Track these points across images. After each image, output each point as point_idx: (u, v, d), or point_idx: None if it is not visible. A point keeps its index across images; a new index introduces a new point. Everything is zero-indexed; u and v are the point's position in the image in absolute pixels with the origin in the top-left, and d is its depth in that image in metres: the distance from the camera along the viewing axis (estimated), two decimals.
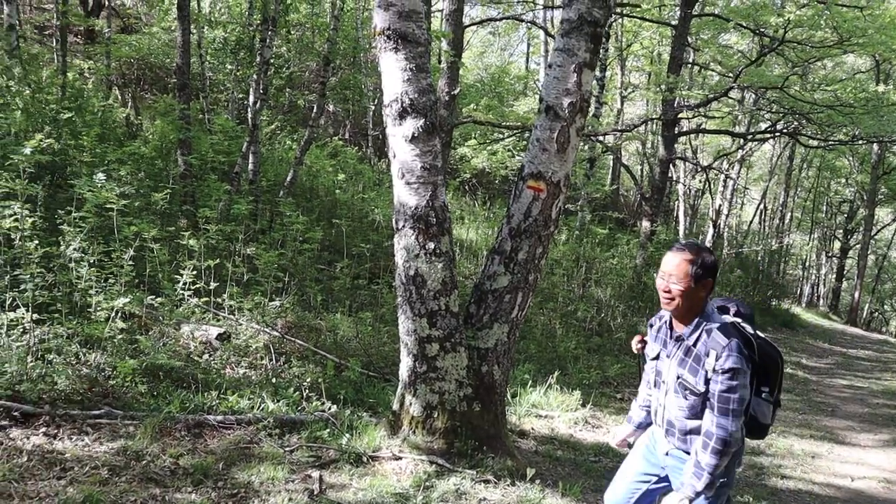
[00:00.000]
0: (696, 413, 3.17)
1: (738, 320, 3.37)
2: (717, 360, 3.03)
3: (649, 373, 3.51)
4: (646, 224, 15.18)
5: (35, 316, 5.34)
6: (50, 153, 7.09)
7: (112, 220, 6.48)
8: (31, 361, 5.12)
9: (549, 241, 5.36)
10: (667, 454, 3.39)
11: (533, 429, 6.69)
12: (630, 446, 3.79)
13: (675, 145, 16.34)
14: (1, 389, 4.78)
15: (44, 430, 4.69)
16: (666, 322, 3.37)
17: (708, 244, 18.39)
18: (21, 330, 5.30)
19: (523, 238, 5.19)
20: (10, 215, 5.58)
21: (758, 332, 3.34)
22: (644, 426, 3.73)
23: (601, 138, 16.24)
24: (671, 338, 3.30)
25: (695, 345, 3.15)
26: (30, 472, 4.16)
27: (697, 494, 3.07)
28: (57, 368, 5.15)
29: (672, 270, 3.13)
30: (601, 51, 10.63)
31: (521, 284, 5.26)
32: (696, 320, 3.17)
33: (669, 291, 3.15)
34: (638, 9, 16.45)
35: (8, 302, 5.42)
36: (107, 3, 20.30)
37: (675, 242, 3.30)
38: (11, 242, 5.70)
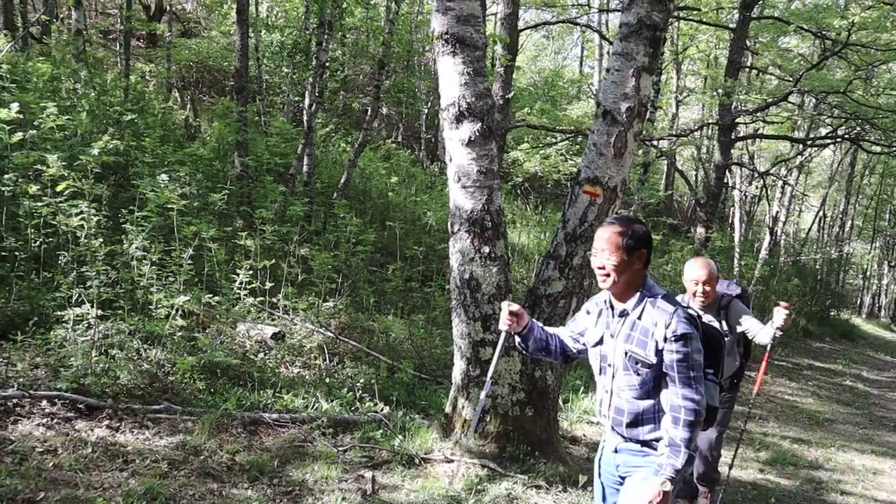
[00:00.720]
0: (648, 391, 2.95)
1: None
2: (666, 328, 2.86)
3: (593, 362, 3.21)
4: (700, 230, 14.94)
5: (99, 312, 5.50)
6: (114, 154, 7.28)
7: (172, 220, 6.64)
8: (95, 356, 5.27)
9: None
10: (616, 451, 3.11)
11: (584, 435, 6.65)
12: (514, 333, 3.28)
13: (732, 150, 16.06)
14: (67, 382, 4.92)
15: (107, 422, 4.82)
16: (606, 302, 3.12)
17: (764, 252, 18.04)
18: (86, 325, 5.46)
19: (579, 243, 5.16)
20: (77, 214, 5.76)
21: (701, 315, 3.26)
22: (534, 332, 3.29)
23: (656, 143, 16.05)
24: (614, 316, 3.06)
25: (640, 318, 2.95)
26: (94, 463, 4.28)
27: (678, 472, 2.84)
28: (119, 363, 5.30)
29: (603, 245, 2.93)
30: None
31: (575, 290, 5.22)
32: (638, 294, 2.98)
33: (604, 268, 2.94)
34: (696, 12, 16.22)
35: (74, 297, 5.58)
36: (168, 7, 20.81)
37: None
38: (77, 240, 5.87)
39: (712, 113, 21.74)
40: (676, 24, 19.30)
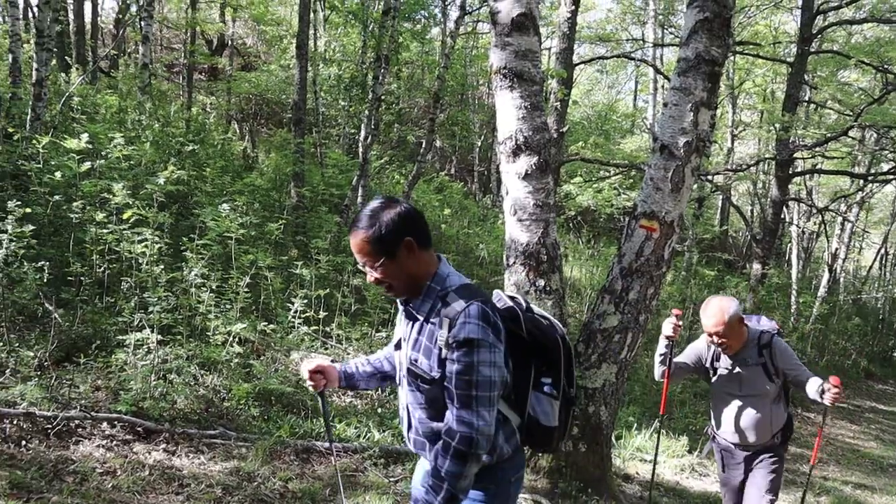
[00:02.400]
0: (441, 410, 2.37)
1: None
2: (450, 330, 2.26)
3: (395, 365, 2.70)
4: (756, 267, 14.67)
5: (159, 337, 5.62)
6: (177, 183, 7.49)
7: (231, 249, 6.78)
8: (154, 380, 5.38)
9: (661, 281, 5.27)
10: (424, 475, 2.64)
11: (637, 473, 6.53)
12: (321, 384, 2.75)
13: (789, 186, 15.79)
14: (126, 405, 5.03)
15: (164, 446, 4.91)
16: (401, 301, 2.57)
17: (823, 289, 17.59)
18: (146, 350, 5.58)
19: (634, 278, 5.12)
20: (141, 241, 5.93)
21: (532, 307, 2.64)
22: (355, 377, 2.79)
23: (711, 177, 15.87)
24: (405, 318, 2.53)
25: (428, 318, 2.38)
26: (151, 485, 4.35)
27: None
28: (177, 388, 5.40)
29: (357, 255, 2.40)
30: None
31: (631, 325, 5.17)
32: (427, 287, 2.41)
33: (375, 280, 2.41)
34: (752, 46, 16.09)
35: (135, 322, 5.72)
36: (230, 42, 21.42)
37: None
38: (140, 266, 6.04)
39: (769, 148, 21.44)
40: (732, 58, 19.16)
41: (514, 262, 5.05)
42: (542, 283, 4.97)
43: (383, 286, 2.42)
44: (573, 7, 11.62)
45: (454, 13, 18.48)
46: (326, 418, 3.15)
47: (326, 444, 5.34)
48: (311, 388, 2.75)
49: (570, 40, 12.11)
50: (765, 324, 4.35)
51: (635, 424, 7.44)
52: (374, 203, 2.42)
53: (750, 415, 4.16)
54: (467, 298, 2.30)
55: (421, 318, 2.41)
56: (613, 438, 6.61)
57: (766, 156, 17.95)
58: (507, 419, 2.49)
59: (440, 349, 2.31)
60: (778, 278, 16.24)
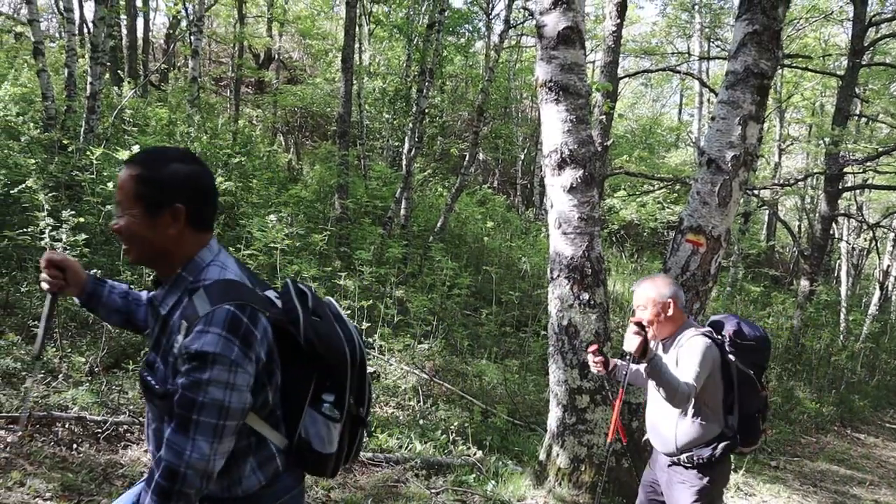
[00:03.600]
0: None
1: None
2: (186, 337, 1.80)
3: None
4: (804, 283, 14.37)
5: None
6: (225, 194, 7.62)
7: (276, 259, 6.87)
8: None
9: (708, 296, 5.19)
10: None
11: None
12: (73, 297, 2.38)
13: (839, 201, 15.47)
14: None
15: None
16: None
17: (874, 307, 17.18)
18: None
19: None
20: None
21: (326, 311, 2.11)
22: (94, 295, 2.35)
23: (757, 192, 15.64)
24: (150, 306, 2.09)
25: (171, 314, 1.92)
26: None
27: None
28: None
29: (117, 191, 1.94)
30: None
31: None
32: (178, 275, 1.95)
33: (117, 226, 1.95)
34: (801, 59, 15.85)
35: None
36: (276, 56, 21.76)
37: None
38: None
39: (818, 162, 21.07)
40: (780, 71, 18.90)
41: (559, 276, 5.03)
42: (586, 296, 4.94)
43: (122, 241, 1.96)
44: (618, 20, 11.57)
45: (498, 27, 18.55)
46: (47, 325, 2.45)
47: (369, 455, 5.36)
48: (43, 286, 2.26)
49: (615, 53, 12.05)
50: (728, 328, 3.57)
51: None
52: (174, 150, 1.97)
53: (654, 417, 3.66)
54: (218, 299, 1.82)
55: (163, 312, 1.95)
56: None
57: (815, 170, 17.62)
58: (262, 442, 2.01)
59: (175, 358, 1.84)
60: (827, 295, 15.90)
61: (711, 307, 13.07)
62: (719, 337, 3.55)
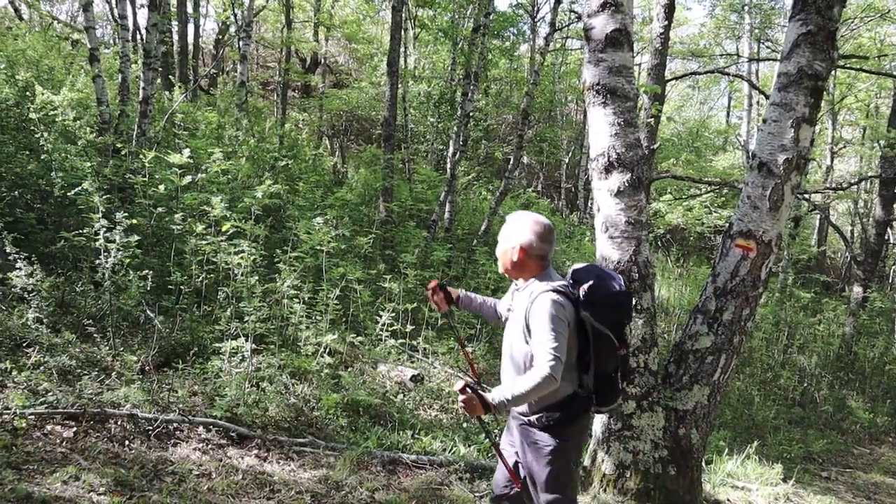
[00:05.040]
0: None
1: None
2: None
3: None
4: (857, 290, 14.03)
5: (252, 346, 5.80)
6: (273, 197, 7.72)
7: (321, 261, 6.94)
8: (248, 388, 5.54)
9: (757, 302, 5.11)
10: None
11: (728, 500, 6.32)
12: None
13: (894, 205, 15.08)
14: (221, 411, 5.20)
15: (255, 452, 5.04)
16: None
17: None
18: (240, 358, 5.76)
19: (729, 298, 4.98)
20: (238, 252, 6.14)
21: None
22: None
23: (808, 196, 15.33)
24: None
25: None
26: (244, 489, 4.47)
27: None
28: (269, 396, 5.54)
29: None
30: None
31: (724, 346, 5.03)
32: None
33: None
34: (855, 60, 15.49)
35: (231, 331, 5.92)
36: (322, 60, 21.99)
37: None
38: (235, 277, 6.25)
39: (872, 165, 20.58)
40: (833, 72, 18.50)
41: None
42: (633, 301, 4.89)
43: None
44: (666, 22, 11.45)
45: (544, 30, 18.49)
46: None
47: (413, 457, 5.37)
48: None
49: (662, 56, 11.93)
50: (584, 283, 3.34)
51: (726, 449, 7.22)
52: None
53: (506, 377, 3.49)
54: None
55: None
56: (703, 463, 6.43)
57: (870, 174, 17.20)
58: None
59: None
60: (881, 302, 15.49)
61: (759, 313, 12.84)
62: (574, 292, 3.33)
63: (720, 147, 25.15)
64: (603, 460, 5.10)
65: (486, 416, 3.21)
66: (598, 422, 5.15)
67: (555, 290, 3.22)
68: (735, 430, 8.14)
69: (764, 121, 5.08)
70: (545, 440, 3.34)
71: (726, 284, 5.01)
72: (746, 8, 21.94)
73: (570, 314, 3.23)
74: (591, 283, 3.31)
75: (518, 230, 3.37)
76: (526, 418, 3.38)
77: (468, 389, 3.12)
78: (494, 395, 3.10)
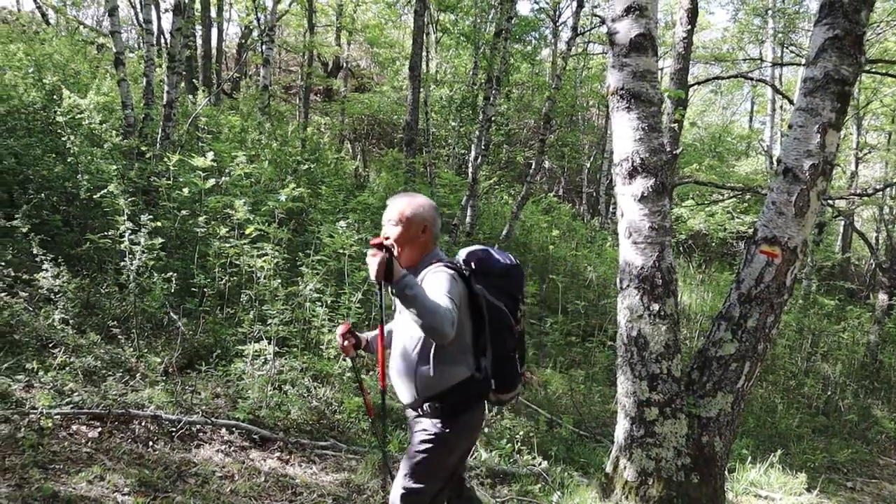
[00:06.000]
0: None
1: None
2: None
3: None
4: (882, 297, 13.85)
5: (275, 348, 5.82)
6: (295, 200, 7.76)
7: (343, 265, 6.96)
8: (270, 390, 5.57)
9: (782, 309, 5.06)
10: None
11: None
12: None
13: None
14: (244, 413, 5.23)
15: (278, 454, 5.06)
16: None
17: None
18: (263, 360, 5.79)
19: (753, 305, 4.94)
20: (261, 255, 6.17)
21: None
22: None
23: (832, 202, 15.16)
24: None
25: None
26: (266, 492, 4.50)
27: None
28: (291, 399, 5.57)
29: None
30: None
31: (748, 353, 4.99)
32: None
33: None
34: (881, 64, 15.32)
35: (254, 333, 5.95)
36: (344, 64, 22.09)
37: None
38: (258, 280, 6.28)
39: None
40: (859, 77, 18.29)
41: (628, 286, 4.96)
42: (656, 307, 4.87)
43: None
44: (689, 27, 11.38)
45: (566, 34, 18.46)
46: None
47: None
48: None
49: (685, 60, 11.86)
50: (474, 258, 3.30)
51: (749, 458, 7.15)
52: None
53: (395, 361, 3.30)
54: None
55: None
56: (727, 471, 6.38)
57: (895, 180, 16.99)
58: None
59: None
60: None
61: (783, 320, 12.69)
62: (466, 269, 3.23)
63: (743, 152, 24.96)
64: (625, 467, 5.07)
65: (383, 286, 2.99)
66: (620, 429, 5.13)
67: (448, 266, 3.11)
68: (758, 439, 8.06)
69: (789, 126, 5.04)
70: (431, 426, 3.16)
71: (751, 291, 4.96)
72: (770, 12, 21.77)
73: (462, 290, 3.10)
74: (480, 256, 3.27)
75: (418, 205, 3.22)
76: (418, 408, 3.19)
77: (385, 250, 2.88)
78: (406, 275, 2.86)
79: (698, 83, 17.10)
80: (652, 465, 4.96)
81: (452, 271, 3.08)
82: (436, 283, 2.99)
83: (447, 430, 3.14)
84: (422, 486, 3.15)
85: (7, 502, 3.60)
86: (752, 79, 17.50)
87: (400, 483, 3.19)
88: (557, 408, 7.07)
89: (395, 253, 3.10)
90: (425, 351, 3.12)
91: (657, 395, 4.88)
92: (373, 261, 2.85)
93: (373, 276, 2.84)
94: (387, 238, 3.11)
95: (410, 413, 3.29)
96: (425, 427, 3.17)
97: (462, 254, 3.34)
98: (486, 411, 3.47)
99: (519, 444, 5.93)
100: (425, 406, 3.15)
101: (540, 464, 5.73)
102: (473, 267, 3.24)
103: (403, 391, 3.25)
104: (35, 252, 5.82)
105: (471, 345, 3.18)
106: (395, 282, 2.80)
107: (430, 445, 3.14)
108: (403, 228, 3.15)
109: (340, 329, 3.41)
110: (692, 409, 5.02)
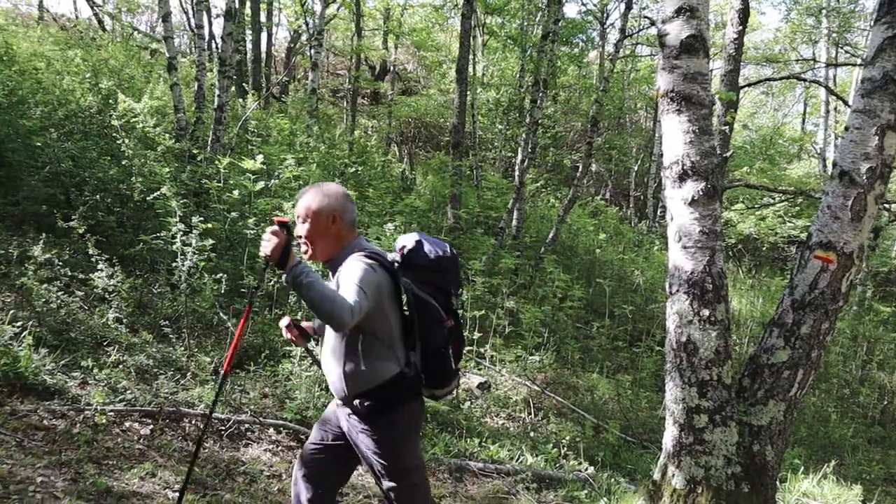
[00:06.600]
0: None
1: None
2: None
3: None
4: None
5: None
6: None
7: None
8: (318, 391, 5.61)
9: (837, 316, 4.93)
10: None
11: None
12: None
13: None
14: (291, 413, 5.28)
15: None
16: None
17: None
18: (310, 361, 5.84)
19: (807, 311, 4.82)
20: (309, 257, 6.22)
21: None
22: None
23: (888, 206, 14.76)
24: None
25: None
26: None
27: None
28: None
29: None
30: None
31: (802, 361, 4.87)
32: None
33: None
34: None
35: None
36: (391, 68, 22.22)
37: None
38: None
39: None
40: None
41: (678, 291, 4.88)
42: (706, 312, 4.79)
43: None
44: (740, 27, 11.21)
45: (613, 36, 18.32)
46: None
47: (480, 465, 5.36)
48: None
49: (736, 62, 11.68)
50: (400, 247, 3.21)
51: (801, 468, 6.99)
52: None
53: (325, 357, 3.18)
54: None
55: None
56: (778, 481, 6.25)
57: None
58: None
59: None
60: None
61: (836, 327, 12.39)
62: (393, 261, 3.12)
63: (795, 155, 24.47)
64: (673, 475, 4.99)
65: (275, 271, 2.90)
66: (669, 436, 5.05)
67: (368, 256, 2.99)
68: (810, 448, 7.88)
69: (846, 128, 4.92)
70: (370, 427, 3.06)
71: (804, 297, 4.85)
72: (824, 11, 21.31)
73: (384, 281, 2.98)
74: (408, 246, 3.13)
75: (326, 196, 3.09)
76: (348, 406, 3.10)
77: (285, 229, 2.79)
78: (300, 263, 2.76)
79: (749, 84, 16.82)
80: (701, 474, 4.88)
81: (371, 261, 2.95)
82: (348, 273, 2.89)
83: (388, 427, 3.06)
84: (406, 481, 3.11)
85: (63, 496, 3.69)
86: (805, 80, 17.13)
87: (386, 487, 3.14)
88: (604, 413, 7.00)
89: (309, 252, 3.07)
90: (352, 345, 3.01)
91: (707, 401, 4.80)
92: (268, 241, 2.78)
93: (265, 253, 2.77)
94: (299, 237, 3.05)
95: (343, 409, 3.18)
96: (368, 427, 3.08)
97: (397, 243, 3.22)
98: (424, 405, 3.33)
99: (565, 448, 5.89)
100: (356, 403, 3.05)
101: (586, 469, 5.68)
102: (401, 258, 3.12)
103: (334, 386, 3.14)
104: (90, 252, 5.96)
105: (399, 339, 3.07)
106: (288, 268, 2.73)
107: (379, 445, 3.07)
108: (311, 224, 3.05)
109: (283, 321, 3.23)
110: (743, 417, 4.92)
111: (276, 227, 2.78)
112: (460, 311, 7.14)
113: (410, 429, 3.17)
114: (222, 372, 3.34)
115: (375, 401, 3.01)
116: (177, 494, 4.02)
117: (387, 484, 3.13)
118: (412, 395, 3.13)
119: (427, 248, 3.13)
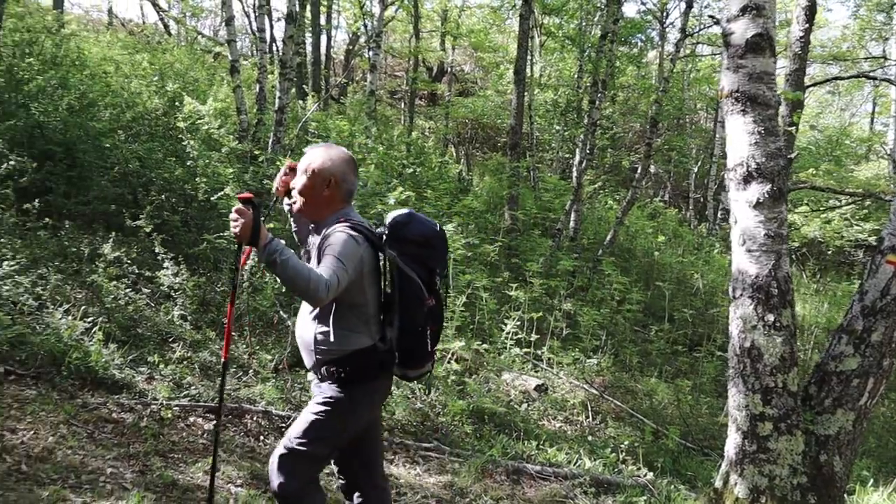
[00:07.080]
0: None
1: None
2: None
3: None
4: None
5: None
6: (404, 203, 7.88)
7: (448, 268, 7.01)
8: None
9: None
10: None
11: None
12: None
13: None
14: None
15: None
16: None
17: None
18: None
19: (878, 318, 4.68)
20: None
21: None
22: None
23: None
24: None
25: None
26: None
27: None
28: (396, 400, 5.64)
29: None
30: None
31: (872, 369, 4.73)
32: None
33: None
34: None
35: None
36: (449, 69, 22.28)
37: None
38: None
39: None
40: None
41: (742, 295, 4.79)
42: (771, 317, 4.68)
43: None
44: (806, 25, 10.92)
45: (673, 36, 18.05)
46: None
47: (537, 468, 5.33)
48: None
49: (801, 61, 11.38)
50: (389, 221, 3.14)
51: (871, 480, 6.77)
52: None
53: (298, 327, 3.14)
54: None
55: None
56: (846, 494, 6.07)
57: None
58: None
59: None
60: None
61: None
62: (379, 234, 3.07)
63: (863, 156, 23.73)
64: (736, 483, 4.89)
65: (249, 254, 2.84)
66: (731, 443, 4.95)
67: (353, 227, 2.94)
68: (881, 460, 7.63)
69: None
70: (329, 390, 3.00)
71: (875, 303, 4.71)
72: (895, 7, 20.63)
73: (367, 255, 2.95)
74: (398, 220, 3.07)
75: (329, 160, 3.05)
76: (316, 375, 3.08)
77: (250, 205, 2.72)
78: (273, 240, 2.72)
79: (815, 84, 16.41)
80: (765, 483, 4.77)
81: (356, 233, 2.92)
82: (332, 243, 2.87)
83: (344, 395, 2.99)
84: (307, 448, 2.98)
85: (132, 487, 3.80)
86: (874, 78, 16.61)
87: (283, 442, 3.05)
88: (663, 418, 6.89)
89: (298, 204, 3.07)
90: (324, 315, 2.98)
91: (771, 409, 4.69)
92: (237, 219, 2.71)
93: (235, 235, 2.71)
94: (293, 188, 3.04)
95: (312, 378, 3.17)
96: (324, 390, 3.03)
97: (388, 216, 3.17)
98: (392, 383, 3.31)
99: (623, 453, 5.82)
100: (323, 370, 3.01)
101: (645, 475, 5.60)
102: (388, 230, 3.07)
103: (305, 355, 3.12)
104: (157, 251, 6.12)
105: (375, 314, 3.04)
106: (260, 247, 2.69)
107: (326, 408, 2.99)
108: (308, 180, 3.04)
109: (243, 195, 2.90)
110: (809, 426, 4.80)
111: (239, 206, 2.71)
112: (520, 314, 7.12)
113: (365, 408, 3.09)
114: (223, 360, 3.36)
115: (343, 368, 2.97)
116: (239, 489, 4.10)
117: (288, 438, 3.03)
118: (382, 370, 3.07)
119: (417, 222, 3.11)
